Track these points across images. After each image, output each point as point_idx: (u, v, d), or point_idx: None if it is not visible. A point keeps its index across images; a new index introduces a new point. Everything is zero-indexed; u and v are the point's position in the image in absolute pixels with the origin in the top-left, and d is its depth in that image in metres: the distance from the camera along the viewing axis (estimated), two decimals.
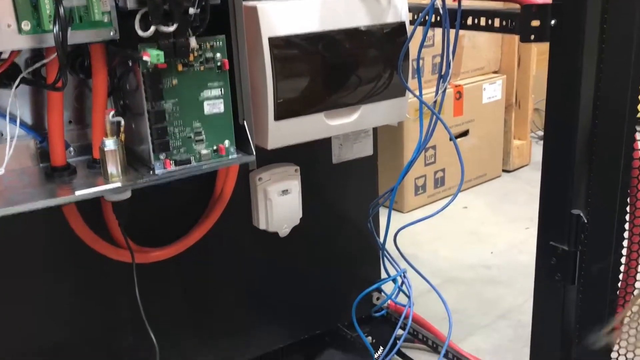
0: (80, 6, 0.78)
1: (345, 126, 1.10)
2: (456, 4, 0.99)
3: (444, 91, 1.06)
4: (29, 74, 0.85)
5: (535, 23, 0.86)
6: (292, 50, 1.00)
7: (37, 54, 0.86)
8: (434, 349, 1.39)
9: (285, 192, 1.20)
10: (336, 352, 1.18)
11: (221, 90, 0.89)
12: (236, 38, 0.88)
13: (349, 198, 1.35)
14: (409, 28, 1.10)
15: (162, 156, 0.87)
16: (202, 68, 0.87)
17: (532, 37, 0.87)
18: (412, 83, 1.12)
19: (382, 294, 1.43)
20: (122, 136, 0.86)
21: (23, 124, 0.90)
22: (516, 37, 0.90)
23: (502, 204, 2.35)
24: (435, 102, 1.06)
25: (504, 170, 2.62)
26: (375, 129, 1.33)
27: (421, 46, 1.05)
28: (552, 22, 0.85)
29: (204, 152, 0.90)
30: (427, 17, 1.00)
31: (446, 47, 1.02)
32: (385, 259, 1.30)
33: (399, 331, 1.34)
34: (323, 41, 1.02)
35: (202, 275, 1.20)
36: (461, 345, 1.39)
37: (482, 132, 2.46)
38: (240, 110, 0.92)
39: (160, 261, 1.11)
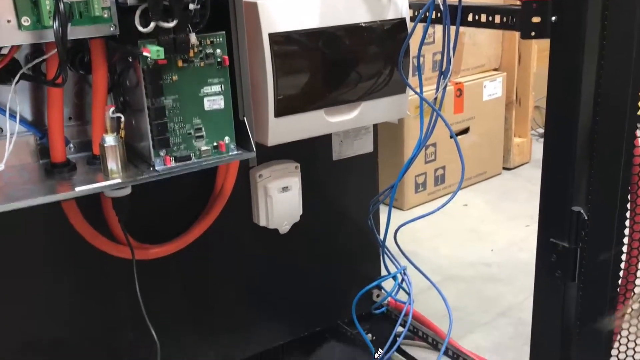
0: (80, 2, 0.78)
1: (345, 123, 1.10)
2: (457, 0, 0.99)
3: (445, 88, 1.06)
4: (28, 69, 0.85)
5: (536, 19, 0.86)
6: (292, 47, 1.00)
7: (37, 49, 0.86)
8: (434, 346, 1.39)
9: (285, 189, 1.20)
10: (337, 344, 1.18)
11: (221, 86, 0.89)
12: (236, 34, 0.88)
13: (349, 195, 1.35)
14: (409, 25, 1.09)
15: (162, 152, 0.87)
16: (202, 64, 0.87)
17: (533, 33, 0.87)
18: (412, 80, 1.12)
19: (382, 291, 1.43)
20: (122, 132, 0.86)
21: (23, 120, 0.90)
22: (517, 34, 0.90)
23: (502, 201, 2.35)
24: (435, 99, 1.06)
25: (504, 168, 2.62)
26: (375, 126, 1.33)
27: (421, 43, 1.05)
28: (553, 18, 0.85)
29: (204, 148, 0.90)
30: (427, 14, 1.00)
31: (447, 43, 1.01)
32: (385, 256, 1.30)
33: (399, 328, 1.34)
34: (323, 37, 1.02)
35: (202, 272, 1.20)
36: (461, 343, 1.39)
37: (482, 130, 2.46)
38: (240, 107, 0.92)
39: (161, 258, 1.10)
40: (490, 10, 0.98)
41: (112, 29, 0.81)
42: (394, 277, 1.31)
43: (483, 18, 0.99)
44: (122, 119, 0.86)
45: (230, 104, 0.91)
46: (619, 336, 0.94)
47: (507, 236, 2.06)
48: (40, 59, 0.84)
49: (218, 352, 1.26)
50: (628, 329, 0.93)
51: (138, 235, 1.07)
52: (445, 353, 1.32)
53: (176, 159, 0.88)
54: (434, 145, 2.31)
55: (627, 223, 0.89)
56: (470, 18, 1.01)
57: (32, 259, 1.03)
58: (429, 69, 2.18)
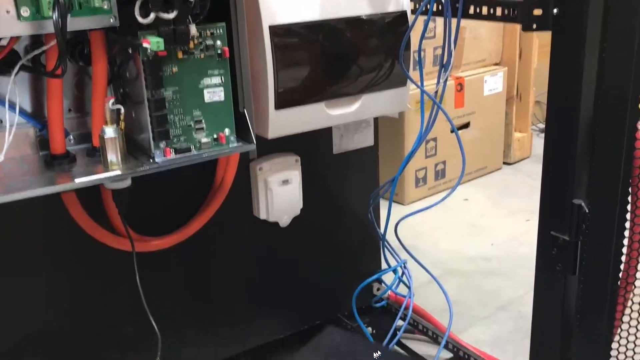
0: None
1: (346, 116, 1.09)
2: None
3: (445, 81, 1.05)
4: (28, 61, 0.85)
5: (538, 12, 0.86)
6: (293, 39, 1.00)
7: (36, 40, 0.85)
8: (434, 339, 1.39)
9: (285, 182, 1.20)
10: (335, 330, 1.18)
11: (221, 78, 0.89)
12: (236, 26, 0.88)
13: (349, 188, 1.35)
14: (410, 17, 1.09)
15: (162, 144, 0.87)
16: (202, 56, 0.87)
17: (534, 26, 0.87)
18: (413, 74, 1.12)
19: (383, 284, 1.43)
20: (122, 124, 0.86)
21: (22, 112, 0.90)
22: (518, 29, 0.90)
23: (502, 196, 2.35)
24: (436, 92, 1.06)
25: (504, 163, 2.62)
26: (376, 120, 1.33)
27: (422, 36, 1.05)
28: (555, 10, 0.84)
29: (204, 140, 0.90)
30: (428, 6, 1.00)
31: (447, 36, 1.01)
32: (385, 249, 1.30)
33: (399, 322, 1.34)
34: (324, 30, 1.02)
35: (202, 265, 1.20)
36: (461, 337, 1.39)
37: (483, 125, 2.45)
38: (240, 99, 0.91)
39: (161, 250, 1.10)
40: (492, 3, 0.97)
41: (112, 20, 0.81)
42: (394, 271, 1.31)
43: (484, 10, 0.99)
44: (122, 111, 0.86)
45: (231, 96, 0.90)
46: (619, 329, 0.94)
47: (507, 231, 2.06)
48: (40, 50, 0.84)
49: (218, 344, 1.26)
50: (628, 323, 0.93)
51: (138, 227, 1.07)
52: (446, 347, 1.32)
53: (176, 151, 0.88)
54: (435, 140, 2.31)
55: (628, 216, 0.89)
56: (471, 10, 1.01)
57: (32, 251, 1.03)
58: (430, 64, 2.18)
